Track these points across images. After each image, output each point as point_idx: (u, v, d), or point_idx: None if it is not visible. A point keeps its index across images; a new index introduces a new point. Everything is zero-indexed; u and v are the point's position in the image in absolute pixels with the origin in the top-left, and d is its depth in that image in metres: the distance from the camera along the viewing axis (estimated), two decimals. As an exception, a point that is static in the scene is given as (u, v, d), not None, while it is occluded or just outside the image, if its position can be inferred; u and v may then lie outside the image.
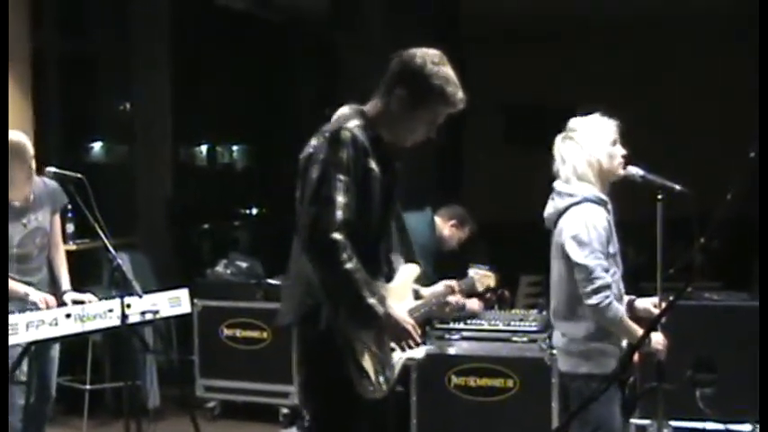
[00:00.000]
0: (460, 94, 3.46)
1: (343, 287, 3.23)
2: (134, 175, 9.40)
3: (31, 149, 5.09)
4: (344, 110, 3.45)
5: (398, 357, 3.54)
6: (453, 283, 4.12)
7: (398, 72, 3.44)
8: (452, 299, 4.01)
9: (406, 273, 3.69)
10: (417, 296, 3.87)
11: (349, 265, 3.19)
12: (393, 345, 3.45)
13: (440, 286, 3.99)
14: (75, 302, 5.09)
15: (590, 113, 4.09)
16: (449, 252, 6.16)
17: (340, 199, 3.22)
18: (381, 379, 3.43)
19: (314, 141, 3.36)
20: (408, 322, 3.39)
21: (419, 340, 3.44)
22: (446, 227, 6.09)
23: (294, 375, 6.50)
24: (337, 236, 3.18)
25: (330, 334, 3.31)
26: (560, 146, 4.08)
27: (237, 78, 10.55)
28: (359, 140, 3.30)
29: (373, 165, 3.34)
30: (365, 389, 3.36)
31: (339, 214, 3.20)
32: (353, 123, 3.35)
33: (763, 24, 2.49)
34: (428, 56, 3.44)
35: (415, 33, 7.41)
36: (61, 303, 5.08)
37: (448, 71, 3.44)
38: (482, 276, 4.39)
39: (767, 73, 2.63)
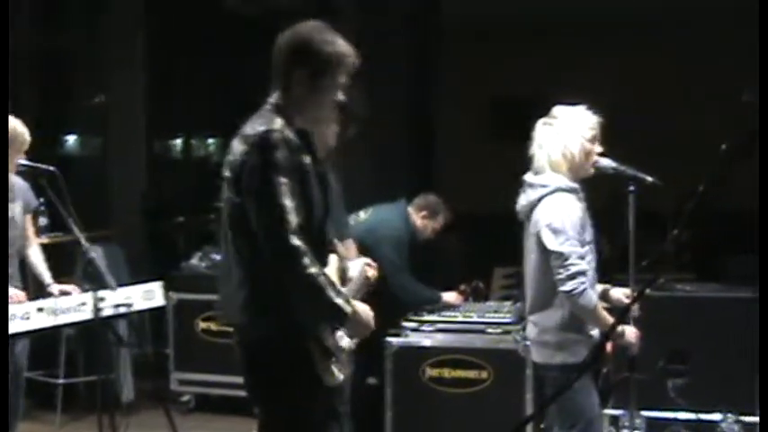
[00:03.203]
0: (353, 53, 3.42)
1: (309, 292, 3.21)
2: (108, 167, 9.35)
3: (20, 138, 5.10)
4: (259, 113, 3.39)
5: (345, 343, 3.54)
6: (368, 259, 4.21)
7: (290, 54, 3.38)
8: (370, 273, 4.04)
9: (331, 262, 3.62)
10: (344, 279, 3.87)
11: (312, 270, 3.17)
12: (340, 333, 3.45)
13: (358, 265, 3.99)
14: (63, 293, 5.09)
15: (576, 104, 4.12)
16: (423, 242, 6.18)
17: (288, 203, 3.18)
18: (344, 361, 3.46)
19: (240, 147, 3.29)
20: (369, 314, 3.42)
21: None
22: (418, 218, 6.10)
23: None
24: (296, 241, 3.15)
25: (288, 327, 3.29)
26: (539, 131, 4.11)
27: (213, 71, 10.51)
28: (290, 139, 3.26)
29: (306, 160, 3.31)
30: (331, 373, 3.36)
31: (292, 219, 3.17)
32: (279, 123, 3.29)
33: (762, 24, 2.51)
34: (309, 27, 3.42)
35: (394, 26, 7.44)
36: (47, 296, 5.08)
37: (334, 36, 3.41)
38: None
39: (767, 72, 2.65)
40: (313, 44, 3.36)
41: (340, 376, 3.42)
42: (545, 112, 4.16)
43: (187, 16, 10.02)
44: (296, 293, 3.24)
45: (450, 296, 6.09)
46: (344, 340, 3.48)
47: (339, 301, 3.25)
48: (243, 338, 3.39)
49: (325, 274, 3.24)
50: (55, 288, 5.22)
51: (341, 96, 3.45)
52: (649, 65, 10.73)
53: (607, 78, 10.46)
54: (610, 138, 4.13)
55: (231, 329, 3.46)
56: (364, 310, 3.41)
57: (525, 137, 4.17)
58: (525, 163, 4.17)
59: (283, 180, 3.19)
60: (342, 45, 3.40)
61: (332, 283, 3.27)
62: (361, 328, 3.42)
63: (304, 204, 3.26)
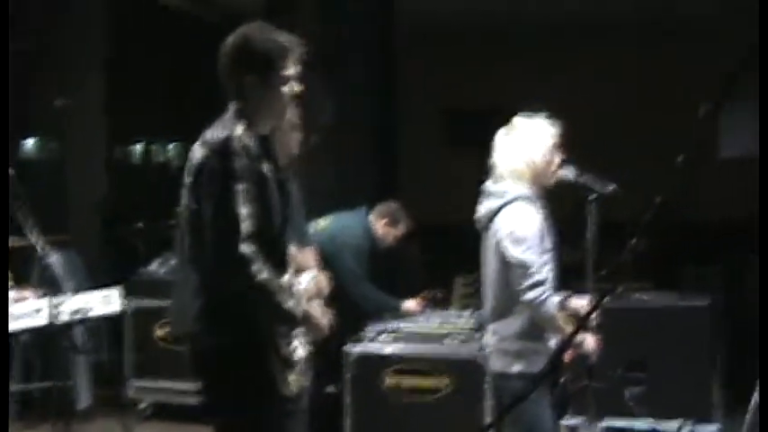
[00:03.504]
0: (297, 41, 3.40)
1: (258, 298, 3.22)
2: (67, 172, 9.26)
3: None
4: (221, 120, 3.38)
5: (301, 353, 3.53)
6: (320, 272, 4.19)
7: (236, 62, 3.37)
8: (322, 286, 4.04)
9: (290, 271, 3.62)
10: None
11: (262, 276, 3.18)
12: (297, 342, 3.45)
13: (309, 277, 3.99)
14: (20, 299, 5.03)
15: (536, 113, 4.13)
16: (385, 250, 6.18)
17: (243, 210, 3.17)
18: (301, 370, 3.44)
19: (200, 152, 3.29)
20: (326, 318, 3.46)
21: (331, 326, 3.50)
22: (380, 225, 6.11)
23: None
24: (246, 249, 3.15)
25: (245, 336, 3.28)
26: (501, 140, 4.12)
27: (173, 77, 10.46)
28: (249, 146, 3.26)
29: (266, 167, 3.31)
30: (287, 382, 3.35)
31: (245, 226, 3.16)
32: (239, 129, 3.28)
33: (763, 24, 2.54)
34: (248, 30, 3.40)
35: (353, 34, 7.44)
36: None
37: (274, 31, 3.40)
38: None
39: (767, 74, 2.67)
40: (256, 45, 3.36)
41: (296, 386, 3.41)
42: (507, 121, 4.18)
43: (148, 20, 9.97)
44: (247, 299, 3.24)
45: (410, 304, 6.09)
46: (300, 350, 3.47)
47: (290, 304, 3.27)
48: (196, 346, 3.38)
49: (274, 279, 3.23)
50: (11, 294, 5.15)
51: (297, 87, 3.43)
52: (612, 74, 10.84)
53: (573, 86, 10.54)
54: (572, 147, 4.15)
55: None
56: (317, 313, 3.44)
57: (487, 145, 4.18)
58: (487, 172, 4.19)
59: (240, 187, 3.19)
60: (283, 37, 3.40)
61: (281, 287, 3.27)
62: (315, 331, 3.43)
63: (262, 212, 3.25)
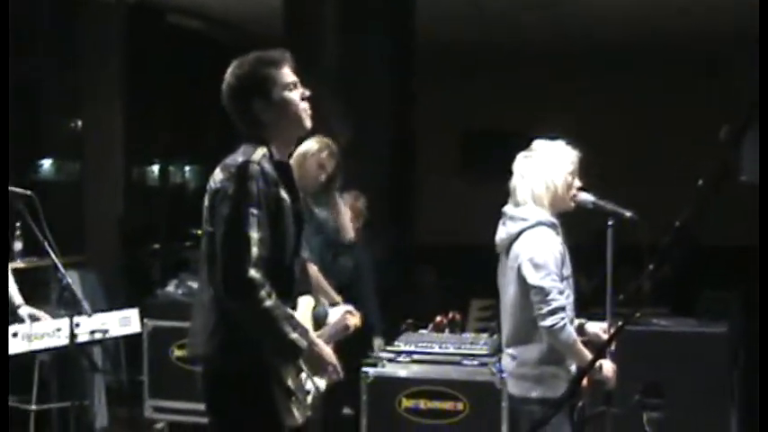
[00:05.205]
0: (284, 52, 3.42)
1: (263, 325, 3.20)
2: (85, 193, 9.31)
3: None
4: (245, 145, 3.39)
5: (309, 386, 3.51)
6: (350, 307, 4.19)
7: (238, 94, 3.37)
8: (351, 322, 4.04)
9: (303, 305, 3.61)
10: (320, 323, 3.85)
11: (268, 303, 3.15)
12: (304, 374, 3.42)
13: (339, 312, 4.00)
14: (32, 317, 5.03)
15: (555, 138, 4.15)
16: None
17: (254, 234, 3.17)
18: (308, 400, 3.43)
19: (220, 175, 3.31)
20: (331, 354, 3.41)
21: (341, 372, 3.45)
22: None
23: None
24: (254, 273, 3.14)
25: (250, 363, 3.26)
26: (521, 163, 4.13)
27: (189, 98, 10.52)
28: (267, 172, 3.26)
29: (284, 194, 3.30)
30: (291, 413, 3.32)
31: (254, 251, 3.16)
32: (260, 154, 3.29)
33: (763, 24, 2.55)
34: (233, 69, 3.40)
35: (370, 57, 7.47)
36: (18, 318, 5.03)
37: (256, 55, 3.41)
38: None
39: (767, 74, 2.68)
40: (249, 72, 3.36)
41: (300, 418, 3.37)
42: (525, 144, 4.19)
43: (165, 43, 10.04)
44: (251, 326, 3.22)
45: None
46: (309, 383, 3.43)
47: (294, 335, 3.22)
48: (206, 370, 3.37)
49: (281, 308, 3.21)
50: (25, 311, 5.16)
51: (304, 91, 3.42)
52: (625, 96, 10.86)
53: (594, 110, 10.57)
54: (586, 170, 4.16)
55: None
56: (323, 349, 3.40)
57: (503, 169, 4.19)
58: (503, 195, 4.19)
59: (254, 211, 3.19)
60: (270, 52, 3.41)
61: (288, 317, 3.24)
62: (318, 366, 3.39)
63: (277, 238, 3.26)
